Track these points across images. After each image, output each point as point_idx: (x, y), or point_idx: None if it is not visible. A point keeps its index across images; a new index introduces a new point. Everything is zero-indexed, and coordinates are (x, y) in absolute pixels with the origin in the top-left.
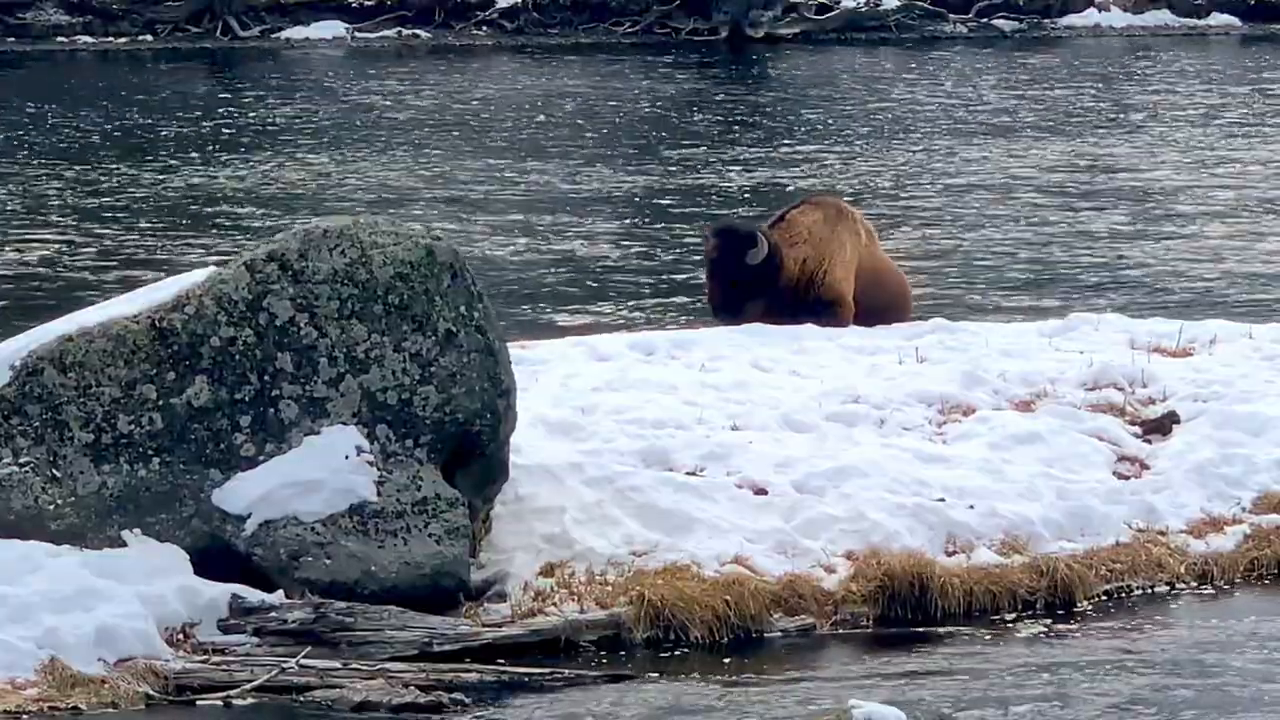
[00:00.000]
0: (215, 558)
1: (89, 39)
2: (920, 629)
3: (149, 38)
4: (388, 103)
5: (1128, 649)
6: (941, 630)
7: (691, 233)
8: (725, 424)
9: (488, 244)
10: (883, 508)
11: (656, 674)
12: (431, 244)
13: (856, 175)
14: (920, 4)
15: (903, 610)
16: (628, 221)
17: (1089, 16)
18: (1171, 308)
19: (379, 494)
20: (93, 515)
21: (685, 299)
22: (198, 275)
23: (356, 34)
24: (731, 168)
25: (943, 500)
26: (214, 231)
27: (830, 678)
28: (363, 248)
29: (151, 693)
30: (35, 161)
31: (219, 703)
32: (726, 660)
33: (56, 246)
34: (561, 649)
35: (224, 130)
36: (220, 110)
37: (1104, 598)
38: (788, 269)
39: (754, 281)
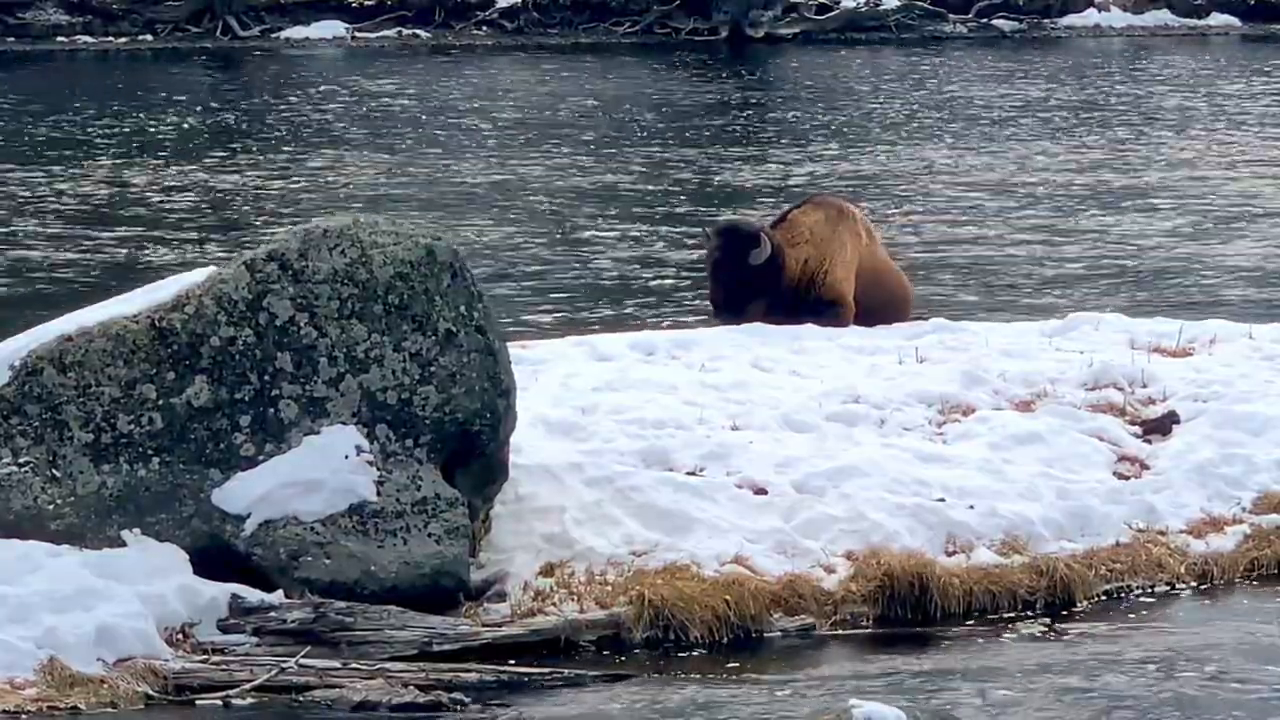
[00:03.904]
0: (215, 557)
1: (89, 39)
2: (920, 629)
3: (149, 38)
4: (388, 103)
5: (1128, 649)
6: (941, 630)
7: (692, 232)
8: (725, 424)
9: (488, 244)
10: (883, 508)
11: (656, 674)
12: (431, 244)
13: (856, 175)
14: (920, 4)
15: (903, 610)
16: (628, 221)
17: (1089, 16)
18: (1171, 308)
19: (379, 494)
20: (92, 515)
21: (686, 299)
22: (198, 275)
23: (356, 34)
24: (731, 167)
25: (943, 500)
26: (214, 231)
27: (830, 678)
28: (363, 248)
29: (151, 692)
30: (35, 161)
31: (218, 703)
32: (726, 660)
33: (56, 246)
34: (561, 649)
35: (224, 130)
36: (220, 110)
37: (1104, 598)
38: (790, 269)
39: (756, 281)
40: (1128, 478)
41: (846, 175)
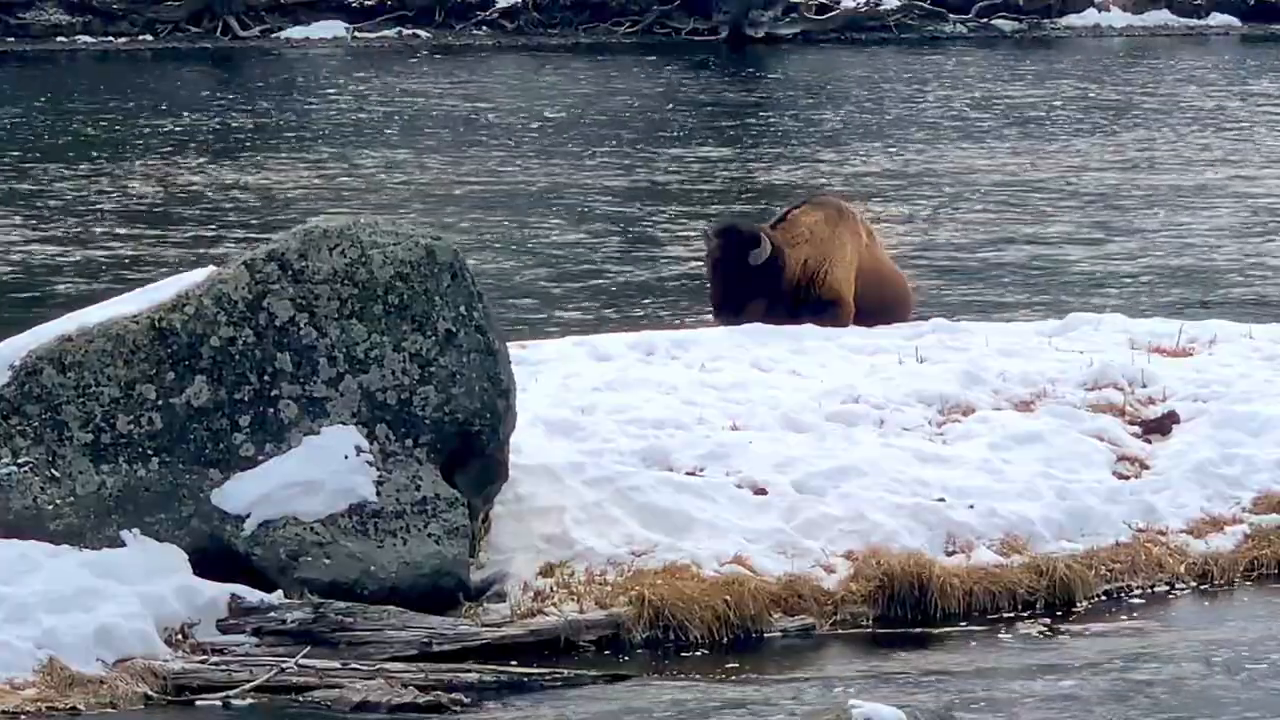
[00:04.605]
0: (215, 558)
1: (89, 39)
2: (920, 629)
3: (149, 38)
4: (388, 103)
5: (1128, 649)
6: (941, 630)
7: (692, 232)
8: (725, 424)
9: (488, 244)
10: (882, 508)
11: (656, 674)
12: (431, 244)
13: (856, 175)
14: (920, 4)
15: (902, 610)
16: (628, 221)
17: (1089, 16)
18: (1171, 308)
19: (378, 494)
20: (92, 515)
21: (685, 299)
22: (198, 275)
23: (356, 34)
24: (731, 167)
25: (943, 500)
26: (214, 231)
27: (830, 678)
28: (363, 248)
29: (150, 693)
30: (35, 161)
31: (218, 703)
32: (726, 660)
33: (56, 246)
34: (561, 649)
35: (224, 130)
36: (220, 110)
37: (1104, 598)
38: (789, 269)
39: (756, 281)
40: (1128, 478)
41: (846, 175)
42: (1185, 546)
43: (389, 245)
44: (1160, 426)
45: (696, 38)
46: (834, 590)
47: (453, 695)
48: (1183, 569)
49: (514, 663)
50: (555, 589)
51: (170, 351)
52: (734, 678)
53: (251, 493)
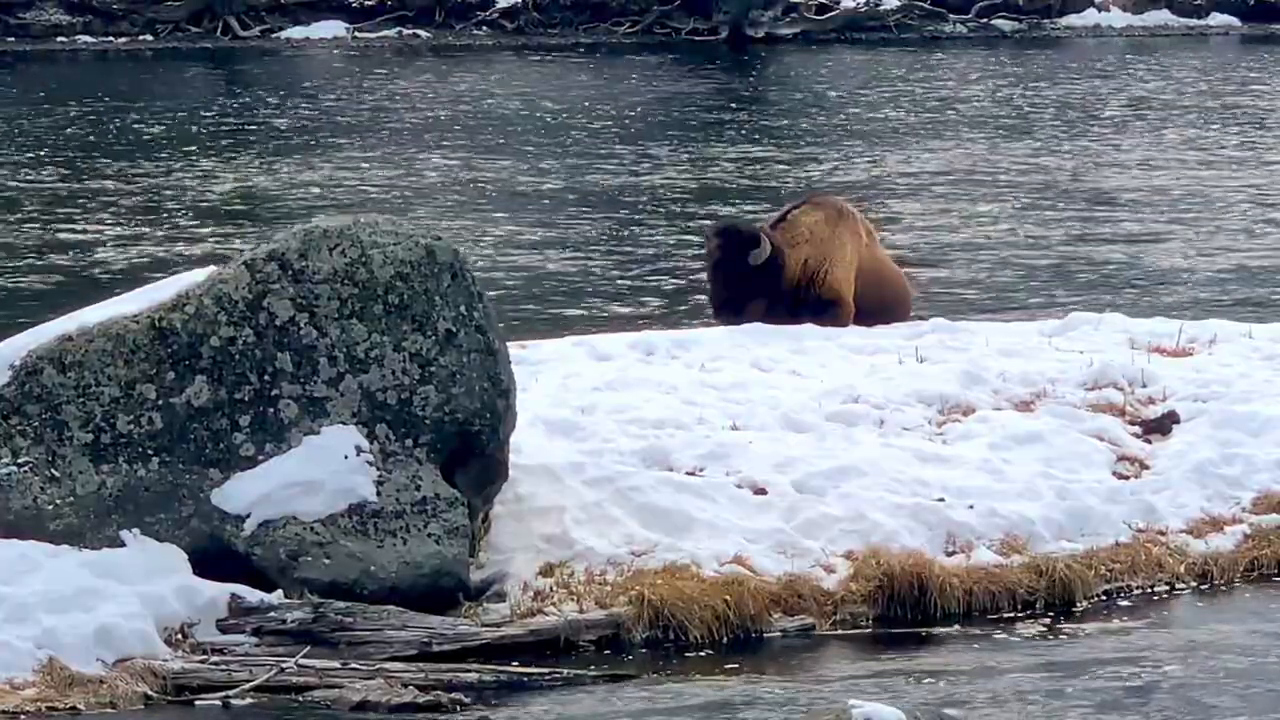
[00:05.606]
0: (214, 558)
1: (89, 39)
2: (920, 629)
3: (149, 38)
4: (388, 103)
5: (1128, 649)
6: (941, 630)
7: (692, 232)
8: (725, 424)
9: (488, 243)
10: (882, 508)
11: (656, 674)
12: (431, 244)
13: (856, 175)
14: (920, 4)
15: (902, 610)
16: (627, 221)
17: (1089, 16)
18: (1171, 308)
19: (378, 494)
20: (92, 515)
21: (685, 299)
22: (198, 275)
23: (356, 34)
24: (731, 167)
25: (942, 500)
26: (214, 231)
27: (830, 678)
28: (363, 248)
29: (150, 693)
30: (35, 161)
31: (218, 703)
32: (726, 660)
33: (56, 246)
34: (561, 649)
35: (224, 130)
36: (220, 110)
37: (1104, 598)
38: (789, 269)
39: (756, 281)
40: (1128, 478)
41: (846, 174)
42: (1185, 546)
43: (389, 245)
44: (1160, 426)
45: (696, 38)
46: (834, 590)
47: (453, 695)
48: (1183, 569)
49: (514, 663)
50: (555, 589)
51: (170, 351)
52: (734, 678)
53: (251, 493)
